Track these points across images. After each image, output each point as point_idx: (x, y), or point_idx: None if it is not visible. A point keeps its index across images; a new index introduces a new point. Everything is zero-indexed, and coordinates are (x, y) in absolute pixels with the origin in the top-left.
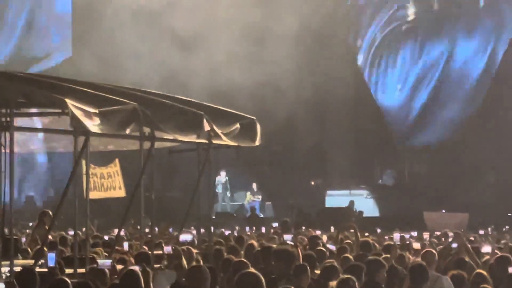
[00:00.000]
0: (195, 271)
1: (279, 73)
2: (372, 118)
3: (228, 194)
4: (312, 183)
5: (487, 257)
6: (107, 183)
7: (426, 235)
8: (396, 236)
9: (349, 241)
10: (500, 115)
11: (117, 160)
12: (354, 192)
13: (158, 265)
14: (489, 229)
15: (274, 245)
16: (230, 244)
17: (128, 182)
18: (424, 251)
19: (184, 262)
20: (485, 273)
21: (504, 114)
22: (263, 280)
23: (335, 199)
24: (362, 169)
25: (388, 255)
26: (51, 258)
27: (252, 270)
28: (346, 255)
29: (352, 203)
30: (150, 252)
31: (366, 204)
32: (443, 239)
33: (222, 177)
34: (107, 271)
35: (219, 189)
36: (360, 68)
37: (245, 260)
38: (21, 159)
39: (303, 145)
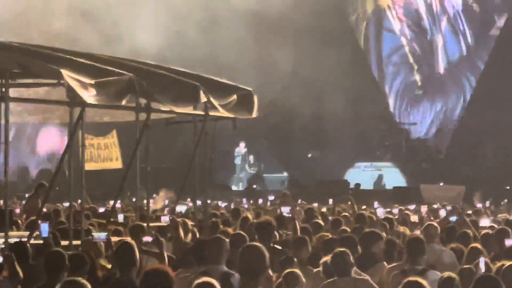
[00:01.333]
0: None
1: (275, 45)
2: (370, 90)
3: (247, 166)
4: (309, 155)
5: (485, 230)
6: (104, 154)
7: (424, 208)
8: (380, 211)
9: (346, 213)
10: (500, 86)
11: (114, 132)
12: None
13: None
14: (487, 202)
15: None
16: (226, 217)
17: (124, 154)
18: (426, 224)
19: (182, 233)
20: (480, 246)
21: (504, 85)
22: (266, 253)
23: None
24: (361, 142)
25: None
26: (45, 228)
27: (255, 243)
28: (343, 227)
29: (380, 177)
30: (145, 224)
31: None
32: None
33: (241, 148)
34: (102, 243)
35: (237, 161)
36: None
37: (243, 233)
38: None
39: (301, 117)
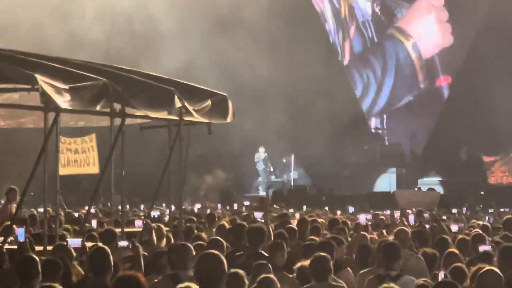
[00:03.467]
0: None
1: (250, 50)
2: (344, 95)
3: (271, 169)
4: (284, 160)
5: (461, 236)
6: (81, 158)
7: (397, 214)
8: (362, 217)
9: (323, 220)
10: (473, 92)
11: (94, 135)
12: None
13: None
14: (464, 208)
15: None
16: (201, 222)
17: (99, 159)
18: (397, 229)
19: (154, 238)
20: (457, 252)
21: (477, 90)
22: (224, 261)
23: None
24: (335, 147)
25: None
26: (21, 233)
27: (213, 251)
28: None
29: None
30: (116, 230)
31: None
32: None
33: (261, 153)
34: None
35: (259, 166)
36: (333, 47)
37: (220, 238)
38: None
39: (275, 122)
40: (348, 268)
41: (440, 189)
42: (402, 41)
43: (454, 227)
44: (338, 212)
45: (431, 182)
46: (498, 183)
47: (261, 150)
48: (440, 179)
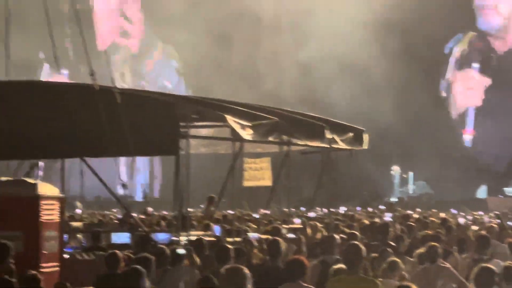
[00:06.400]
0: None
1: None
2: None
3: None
4: (404, 175)
5: None
6: (259, 174)
7: (486, 217)
8: (461, 219)
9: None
10: None
11: (269, 158)
12: None
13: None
14: None
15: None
16: (345, 221)
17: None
18: (488, 225)
19: (309, 231)
20: None
21: None
22: (363, 248)
23: None
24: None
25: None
26: (217, 229)
27: (356, 242)
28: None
29: None
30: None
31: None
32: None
33: (395, 171)
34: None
35: (396, 180)
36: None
37: (356, 233)
38: None
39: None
40: (456, 254)
41: None
42: None
43: None
44: (442, 214)
45: None
46: None
47: (396, 168)
48: None
